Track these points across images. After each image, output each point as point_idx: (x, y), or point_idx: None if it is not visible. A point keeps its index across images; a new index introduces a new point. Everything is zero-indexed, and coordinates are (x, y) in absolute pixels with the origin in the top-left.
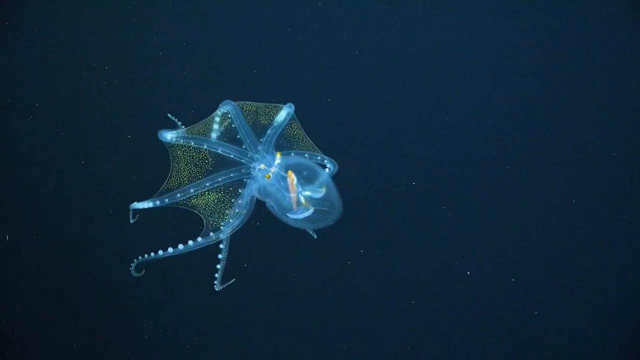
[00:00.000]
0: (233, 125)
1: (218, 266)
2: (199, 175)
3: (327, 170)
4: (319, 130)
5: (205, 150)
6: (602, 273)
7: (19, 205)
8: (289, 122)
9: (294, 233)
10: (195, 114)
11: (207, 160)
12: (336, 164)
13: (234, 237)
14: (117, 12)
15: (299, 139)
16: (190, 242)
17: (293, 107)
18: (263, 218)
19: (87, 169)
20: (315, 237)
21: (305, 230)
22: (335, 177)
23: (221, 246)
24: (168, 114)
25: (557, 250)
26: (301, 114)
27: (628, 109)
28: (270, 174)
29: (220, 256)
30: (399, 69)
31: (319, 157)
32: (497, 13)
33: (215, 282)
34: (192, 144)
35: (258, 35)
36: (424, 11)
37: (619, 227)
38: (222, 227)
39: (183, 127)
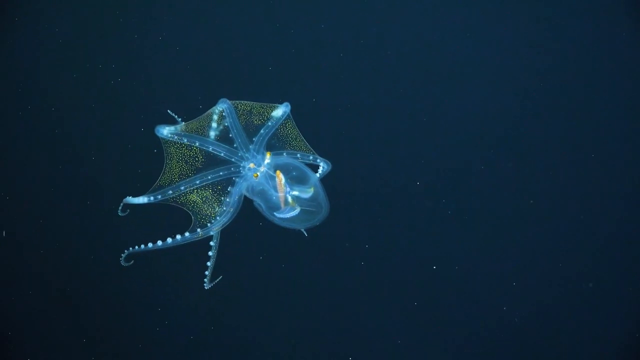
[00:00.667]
0: (226, 124)
1: (208, 263)
2: (189, 172)
3: (320, 169)
4: (315, 130)
5: (197, 148)
6: (602, 273)
7: (15, 200)
8: (283, 122)
9: (286, 231)
10: (191, 112)
11: (198, 158)
12: (330, 163)
13: (226, 236)
14: (117, 11)
15: (292, 139)
16: (178, 237)
17: (289, 106)
18: (254, 217)
19: (84, 164)
20: (306, 234)
21: (296, 229)
22: (331, 177)
23: (211, 243)
24: (168, 110)
25: (557, 251)
26: (297, 113)
27: (628, 109)
28: (258, 173)
29: (210, 253)
30: (395, 70)
31: (311, 157)
32: (492, 13)
33: (205, 279)
34: (185, 141)
35: (255, 35)
36: (419, 12)
37: (619, 228)
38: (209, 225)
39: (182, 122)
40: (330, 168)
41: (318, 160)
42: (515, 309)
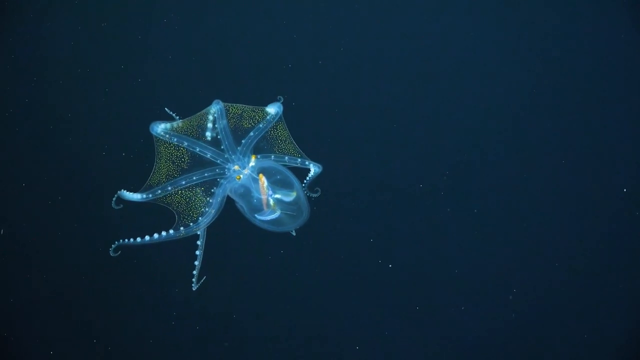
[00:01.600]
0: (216, 125)
1: (195, 262)
2: (175, 173)
3: (311, 172)
4: (309, 131)
5: (184, 148)
6: (603, 274)
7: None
8: (275, 124)
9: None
10: (182, 112)
11: (184, 158)
12: (320, 166)
13: (215, 236)
14: (116, 11)
15: (281, 141)
16: (164, 233)
17: (282, 108)
18: (243, 217)
19: (81, 161)
20: (294, 234)
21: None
22: (325, 178)
23: (198, 242)
24: (165, 108)
25: (556, 252)
26: (292, 115)
27: (628, 109)
28: (240, 176)
29: (197, 252)
30: (388, 71)
31: (298, 161)
32: (487, 12)
33: (193, 279)
34: (175, 140)
35: (254, 36)
36: (411, 12)
37: (620, 228)
38: (191, 224)
39: (179, 119)
40: (321, 170)
41: (307, 163)
42: (515, 308)
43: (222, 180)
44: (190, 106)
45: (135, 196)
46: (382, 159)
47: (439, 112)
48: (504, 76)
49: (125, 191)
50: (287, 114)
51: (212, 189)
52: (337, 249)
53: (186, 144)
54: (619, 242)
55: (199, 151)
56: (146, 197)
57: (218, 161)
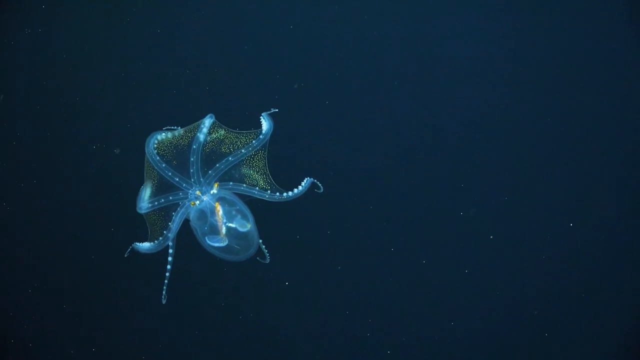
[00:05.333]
0: (194, 147)
1: (168, 265)
2: (150, 194)
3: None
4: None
5: (155, 170)
6: (604, 274)
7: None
8: (254, 152)
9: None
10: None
11: (154, 180)
12: (294, 192)
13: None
14: (115, 15)
15: (255, 172)
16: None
17: (271, 129)
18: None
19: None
20: (267, 261)
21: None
22: (323, 179)
23: (170, 250)
24: (164, 128)
25: (556, 252)
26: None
27: (628, 109)
28: (196, 202)
29: (169, 259)
30: (380, 76)
31: (267, 194)
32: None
33: (164, 290)
34: (157, 159)
35: (253, 41)
36: (404, 14)
37: (621, 227)
38: (155, 241)
39: (180, 129)
40: (300, 193)
41: (277, 196)
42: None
43: (182, 202)
44: (183, 117)
45: (144, 202)
46: (380, 162)
47: (437, 115)
48: (502, 78)
49: (148, 188)
50: (284, 115)
51: (173, 212)
52: (335, 251)
53: (164, 165)
54: (621, 242)
55: (170, 175)
56: (144, 211)
57: (183, 185)
